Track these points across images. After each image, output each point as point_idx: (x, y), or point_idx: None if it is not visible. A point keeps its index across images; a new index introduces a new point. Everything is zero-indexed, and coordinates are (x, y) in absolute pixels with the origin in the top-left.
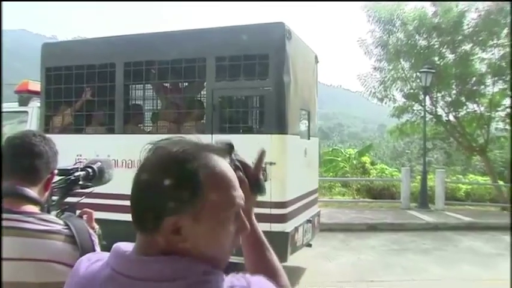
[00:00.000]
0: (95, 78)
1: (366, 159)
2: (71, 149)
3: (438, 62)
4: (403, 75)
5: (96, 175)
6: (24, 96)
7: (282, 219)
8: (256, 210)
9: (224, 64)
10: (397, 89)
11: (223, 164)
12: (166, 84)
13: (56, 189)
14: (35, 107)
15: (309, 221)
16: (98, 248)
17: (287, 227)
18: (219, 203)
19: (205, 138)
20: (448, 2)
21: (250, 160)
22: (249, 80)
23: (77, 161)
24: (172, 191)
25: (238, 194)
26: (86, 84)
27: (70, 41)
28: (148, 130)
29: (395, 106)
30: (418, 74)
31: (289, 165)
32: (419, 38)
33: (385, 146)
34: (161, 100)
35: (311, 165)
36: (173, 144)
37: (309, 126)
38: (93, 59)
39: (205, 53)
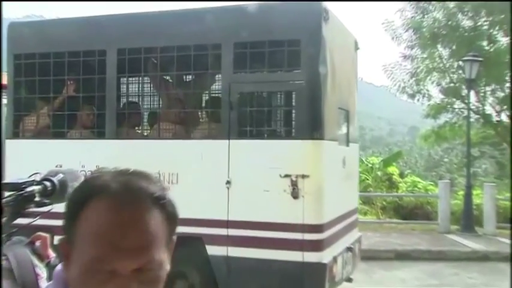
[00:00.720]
0: (79, 68)
1: (393, 169)
2: (48, 159)
3: (487, 48)
4: (441, 65)
5: (56, 190)
6: None
7: (317, 246)
8: (286, 235)
9: (244, 52)
10: (432, 83)
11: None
12: (168, 78)
13: (4, 208)
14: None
15: (349, 249)
16: (43, 283)
17: (324, 256)
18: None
19: (221, 145)
20: None
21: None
22: (275, 71)
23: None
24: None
25: None
26: (68, 76)
27: (46, 21)
28: (148, 134)
29: (430, 104)
30: (460, 63)
31: (326, 178)
32: (462, 17)
33: (418, 154)
34: (162, 97)
35: (350, 178)
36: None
37: (348, 129)
38: (78, 44)
39: (220, 37)
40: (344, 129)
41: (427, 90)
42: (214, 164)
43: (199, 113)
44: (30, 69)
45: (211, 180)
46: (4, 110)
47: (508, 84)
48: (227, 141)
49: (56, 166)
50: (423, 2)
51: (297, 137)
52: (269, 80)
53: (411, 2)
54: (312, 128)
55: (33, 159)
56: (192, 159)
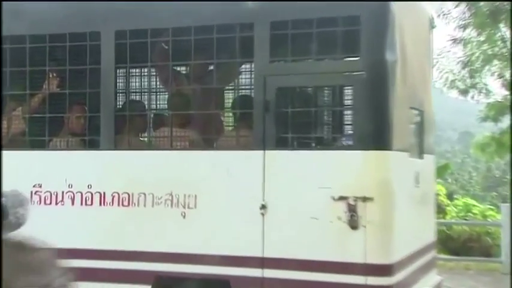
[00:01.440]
0: (64, 57)
1: (439, 188)
2: (24, 175)
3: None
4: (504, 50)
5: None
6: None
7: None
8: (341, 278)
9: (285, 34)
10: (492, 74)
11: None
12: (183, 69)
13: None
14: None
15: None
16: None
17: None
18: None
19: (253, 157)
20: None
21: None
22: (326, 60)
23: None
24: None
25: None
26: (50, 68)
27: None
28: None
29: (490, 103)
30: None
31: (395, 201)
32: None
33: (472, 168)
34: (175, 95)
35: (426, 200)
36: None
37: (422, 136)
38: (63, 25)
39: (252, 15)
40: (417, 136)
41: (485, 85)
42: (245, 183)
43: (224, 116)
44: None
45: (241, 204)
46: None
47: None
48: (261, 152)
49: (34, 186)
50: None
51: (355, 147)
52: (317, 71)
53: None
54: (376, 134)
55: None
56: (215, 176)
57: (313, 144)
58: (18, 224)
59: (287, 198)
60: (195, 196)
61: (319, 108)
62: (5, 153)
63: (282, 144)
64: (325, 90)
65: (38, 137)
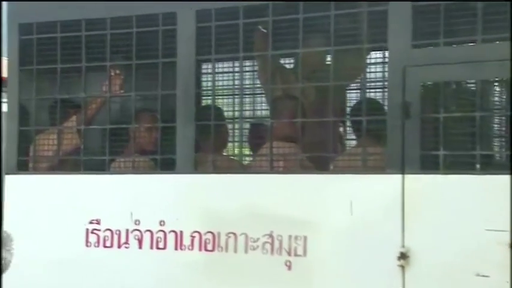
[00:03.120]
0: (129, 48)
1: None
2: (76, 208)
3: None
4: None
5: None
6: None
7: None
8: None
9: (433, 7)
10: None
11: None
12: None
13: None
14: None
15: None
16: None
17: None
18: None
19: (386, 183)
20: None
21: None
22: (497, 41)
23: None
24: None
25: None
26: (111, 62)
27: None
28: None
29: None
30: None
31: None
32: None
33: None
34: (277, 97)
35: None
36: None
37: None
38: (126, 7)
39: None
40: None
41: None
42: (374, 221)
43: (343, 125)
44: (48, 50)
45: (368, 252)
46: (3, 122)
47: None
48: (399, 176)
49: (91, 221)
50: None
51: None
52: (485, 57)
53: None
54: None
55: (51, 209)
56: (333, 210)
57: (478, 166)
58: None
59: (437, 244)
60: (304, 238)
61: (487, 113)
62: (55, 177)
63: (429, 164)
64: (496, 86)
65: (95, 156)
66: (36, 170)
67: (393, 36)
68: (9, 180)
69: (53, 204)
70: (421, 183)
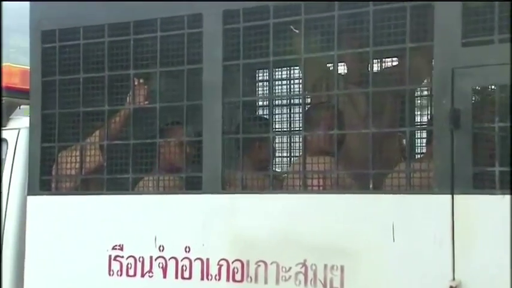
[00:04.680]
0: (153, 54)
1: None
2: (101, 231)
3: None
4: None
5: None
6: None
7: None
8: None
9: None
10: None
11: None
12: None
13: None
14: (23, 127)
15: None
16: None
17: None
18: None
19: (435, 204)
20: None
21: None
22: None
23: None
24: None
25: None
26: (135, 70)
27: None
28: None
29: None
30: None
31: None
32: None
33: None
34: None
35: None
36: None
37: None
38: (148, 10)
39: None
40: None
41: None
42: (419, 249)
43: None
44: (69, 60)
45: (415, 284)
46: (24, 139)
47: None
48: (447, 197)
49: (114, 247)
50: None
51: None
52: None
53: None
54: None
55: (73, 232)
56: (374, 236)
57: None
58: None
59: (494, 278)
60: (341, 269)
61: None
62: (77, 199)
63: (483, 183)
64: None
65: (119, 175)
66: (59, 190)
67: (440, 30)
68: (31, 201)
69: (74, 228)
70: (473, 205)
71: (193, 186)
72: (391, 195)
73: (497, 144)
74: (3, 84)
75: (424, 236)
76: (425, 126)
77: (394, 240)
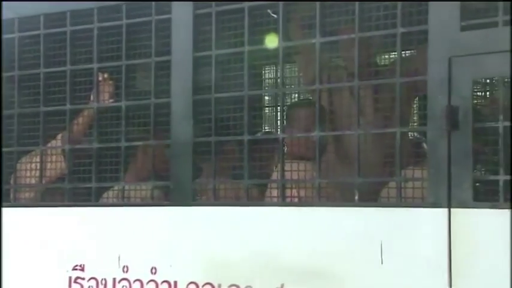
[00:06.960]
0: (118, 44)
1: None
2: (60, 249)
3: None
4: None
5: None
6: None
7: None
8: None
9: None
10: None
11: None
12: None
13: None
14: None
15: None
16: None
17: None
18: None
19: (428, 219)
20: None
21: None
22: None
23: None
24: None
25: None
26: (100, 64)
27: None
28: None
29: None
30: None
31: None
32: None
33: None
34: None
35: None
36: None
37: None
38: None
39: None
40: None
41: None
42: (411, 272)
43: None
44: (30, 50)
45: None
46: None
47: None
48: (443, 211)
49: (75, 268)
50: None
51: None
52: None
53: None
54: None
55: (32, 249)
56: (361, 256)
57: None
58: None
59: None
60: None
61: None
62: (36, 211)
63: (484, 195)
64: None
65: (83, 184)
66: (17, 202)
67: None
68: None
69: (33, 244)
70: (473, 219)
71: (160, 196)
72: (378, 209)
73: (503, 147)
74: None
75: (415, 255)
76: (417, 127)
77: (382, 264)
